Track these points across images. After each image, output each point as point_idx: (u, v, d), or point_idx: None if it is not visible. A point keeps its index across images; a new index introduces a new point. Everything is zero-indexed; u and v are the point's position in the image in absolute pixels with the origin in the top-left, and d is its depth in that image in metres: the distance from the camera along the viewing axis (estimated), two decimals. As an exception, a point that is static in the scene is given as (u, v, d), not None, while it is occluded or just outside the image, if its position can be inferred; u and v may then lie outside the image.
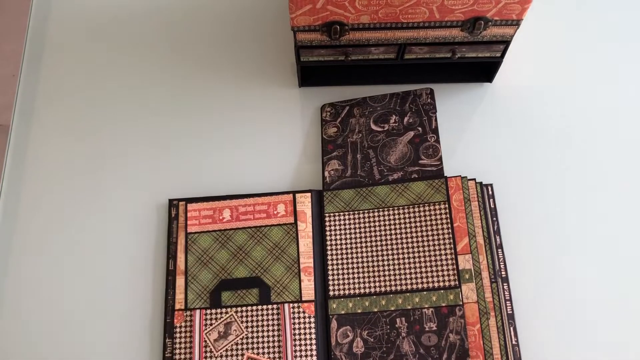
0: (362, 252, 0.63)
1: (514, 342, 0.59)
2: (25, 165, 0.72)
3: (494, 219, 0.64)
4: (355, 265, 0.63)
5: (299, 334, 0.60)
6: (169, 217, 0.66)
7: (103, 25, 0.79)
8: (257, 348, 0.60)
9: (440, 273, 0.61)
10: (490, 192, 0.66)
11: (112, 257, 0.67)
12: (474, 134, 0.72)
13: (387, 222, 0.64)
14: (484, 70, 0.74)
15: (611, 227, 0.67)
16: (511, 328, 0.60)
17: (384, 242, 0.63)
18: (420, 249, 0.62)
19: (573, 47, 0.77)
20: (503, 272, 0.62)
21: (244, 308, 0.62)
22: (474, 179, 0.65)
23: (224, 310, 0.62)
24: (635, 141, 0.71)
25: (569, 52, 0.76)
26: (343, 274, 0.63)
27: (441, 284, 0.61)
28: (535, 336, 0.61)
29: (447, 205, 0.63)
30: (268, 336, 0.60)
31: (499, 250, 0.63)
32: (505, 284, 0.62)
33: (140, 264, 0.67)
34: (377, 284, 0.62)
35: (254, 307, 0.62)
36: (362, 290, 0.62)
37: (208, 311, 0.62)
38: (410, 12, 0.62)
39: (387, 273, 0.62)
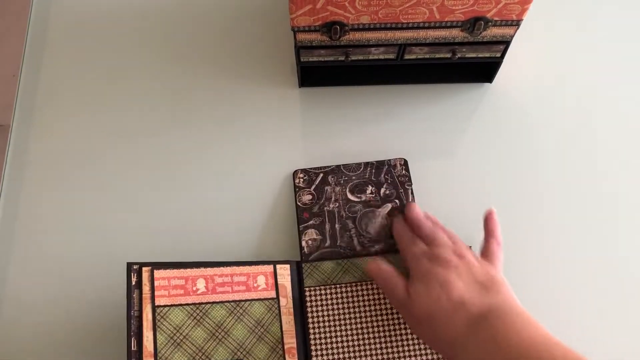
0: (346, 330, 0.59)
1: None
2: (25, 165, 0.72)
3: None
4: (339, 345, 0.59)
5: None
6: (128, 285, 0.56)
7: (103, 25, 0.79)
8: None
9: (428, 350, 0.58)
10: None
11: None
12: (473, 134, 0.72)
13: (370, 297, 0.61)
14: (484, 71, 0.74)
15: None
16: None
17: (368, 318, 0.60)
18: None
19: (573, 48, 0.77)
20: None
21: None
22: None
23: None
24: (636, 142, 0.71)
25: (570, 52, 0.77)
26: (327, 353, 0.59)
27: None
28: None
29: None
30: None
31: None
32: None
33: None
34: None
35: None
36: None
37: None
38: (410, 13, 0.62)
39: (374, 352, 0.59)
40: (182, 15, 0.80)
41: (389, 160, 0.68)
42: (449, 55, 0.69)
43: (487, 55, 0.69)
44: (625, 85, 0.74)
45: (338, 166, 0.68)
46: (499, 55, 0.69)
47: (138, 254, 0.66)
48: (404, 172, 0.67)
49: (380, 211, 0.65)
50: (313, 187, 0.67)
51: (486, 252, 0.59)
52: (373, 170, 0.68)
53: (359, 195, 0.66)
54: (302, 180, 0.68)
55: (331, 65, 0.70)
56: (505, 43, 0.67)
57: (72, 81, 0.76)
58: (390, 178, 0.67)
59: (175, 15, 0.80)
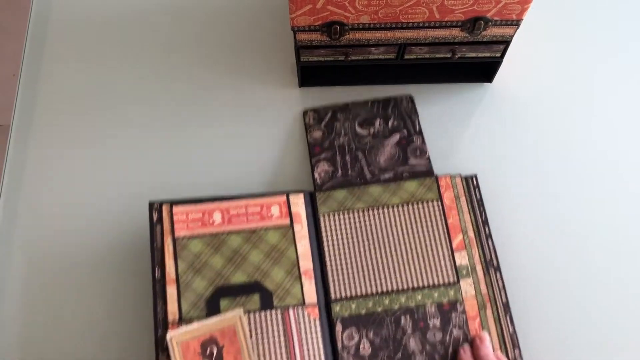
0: (360, 253, 0.63)
1: (511, 331, 0.60)
2: (25, 165, 0.72)
3: (481, 209, 0.65)
4: (354, 266, 0.62)
5: (306, 338, 0.59)
6: (150, 222, 0.62)
7: (103, 25, 0.79)
8: (264, 355, 0.58)
9: (439, 270, 0.62)
10: (475, 183, 0.66)
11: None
12: (473, 134, 0.72)
13: (382, 221, 0.64)
14: (484, 70, 0.74)
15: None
16: (507, 316, 0.61)
17: (381, 242, 0.63)
18: (418, 247, 0.63)
19: (573, 48, 0.77)
20: (495, 262, 0.63)
21: (245, 315, 0.59)
22: (459, 174, 0.66)
23: None
24: (637, 141, 0.71)
25: (569, 52, 0.77)
26: (343, 275, 0.62)
27: (441, 280, 0.61)
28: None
29: (439, 203, 0.64)
30: (274, 342, 0.58)
31: (489, 239, 0.64)
32: (497, 273, 0.63)
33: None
34: (379, 284, 0.62)
35: (257, 314, 0.59)
36: (364, 291, 0.61)
37: None
38: (410, 12, 0.62)
39: (387, 272, 0.62)
40: (182, 15, 0.80)
41: (395, 97, 0.71)
42: (449, 55, 0.69)
43: (487, 55, 0.69)
44: (625, 84, 0.75)
45: (346, 104, 0.72)
46: (499, 55, 0.69)
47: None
48: (410, 106, 0.71)
49: (389, 141, 0.67)
50: (323, 123, 0.70)
51: None
52: (380, 106, 0.71)
53: (367, 128, 0.69)
54: (311, 118, 0.71)
55: (331, 65, 0.70)
56: (505, 43, 0.67)
57: (72, 81, 0.76)
58: (398, 112, 0.70)
59: (175, 16, 0.80)
